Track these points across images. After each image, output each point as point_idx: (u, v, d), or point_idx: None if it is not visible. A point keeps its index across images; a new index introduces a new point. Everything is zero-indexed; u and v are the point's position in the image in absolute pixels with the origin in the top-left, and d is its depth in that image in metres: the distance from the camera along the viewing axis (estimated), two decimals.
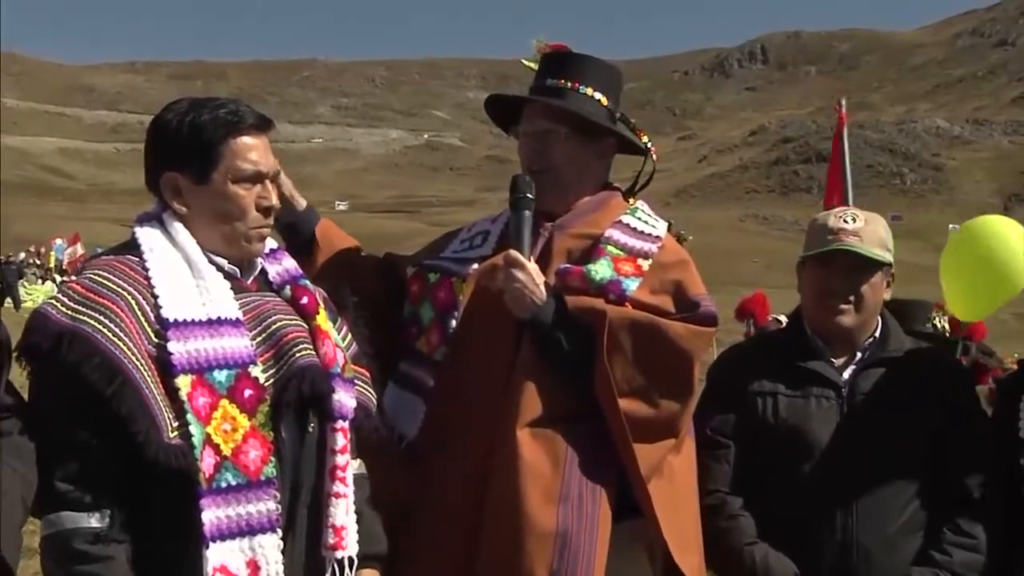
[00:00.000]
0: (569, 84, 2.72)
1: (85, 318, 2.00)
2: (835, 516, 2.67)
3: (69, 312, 2.01)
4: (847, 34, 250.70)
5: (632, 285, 2.60)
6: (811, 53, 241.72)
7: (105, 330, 2.00)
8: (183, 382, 2.04)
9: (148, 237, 2.19)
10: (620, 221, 2.73)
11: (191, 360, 2.06)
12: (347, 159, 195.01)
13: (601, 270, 2.60)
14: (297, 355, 2.20)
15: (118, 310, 2.03)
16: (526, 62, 2.89)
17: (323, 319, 2.31)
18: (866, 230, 2.79)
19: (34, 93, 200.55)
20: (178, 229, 2.19)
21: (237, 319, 2.15)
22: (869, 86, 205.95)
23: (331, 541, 2.28)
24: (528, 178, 2.65)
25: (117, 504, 2.01)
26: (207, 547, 2.03)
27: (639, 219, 2.75)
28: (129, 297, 2.06)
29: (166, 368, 2.04)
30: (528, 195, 2.62)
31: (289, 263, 2.39)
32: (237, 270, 2.25)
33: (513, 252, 2.55)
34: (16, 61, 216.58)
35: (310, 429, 2.24)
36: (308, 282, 2.37)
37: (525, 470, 2.45)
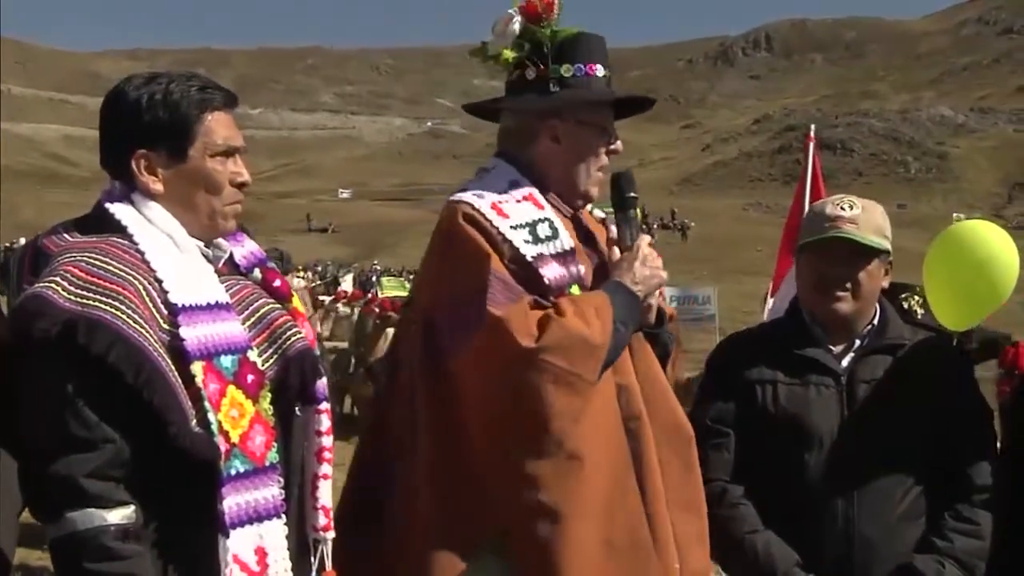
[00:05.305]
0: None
1: (96, 303, 1.88)
2: (836, 504, 2.66)
3: (73, 297, 1.88)
4: (853, 22, 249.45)
5: None
6: (816, 41, 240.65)
7: (124, 316, 1.90)
8: (197, 368, 1.97)
9: (129, 217, 2.06)
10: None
11: (201, 346, 1.99)
12: (351, 147, 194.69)
13: None
14: (293, 339, 2.19)
15: (129, 295, 1.93)
16: (505, 51, 2.63)
17: (298, 301, 2.29)
18: (863, 217, 2.77)
19: (38, 80, 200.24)
20: (155, 209, 2.08)
21: (228, 303, 2.10)
22: (874, 74, 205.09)
23: (322, 523, 2.27)
24: (630, 174, 2.57)
25: (141, 497, 1.92)
26: (227, 536, 1.98)
27: None
28: (136, 282, 1.96)
29: (178, 355, 1.96)
30: (635, 194, 2.55)
31: (252, 245, 2.34)
32: (210, 252, 2.19)
33: (657, 259, 2.47)
34: (20, 48, 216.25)
35: (297, 412, 2.22)
36: (274, 264, 2.34)
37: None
